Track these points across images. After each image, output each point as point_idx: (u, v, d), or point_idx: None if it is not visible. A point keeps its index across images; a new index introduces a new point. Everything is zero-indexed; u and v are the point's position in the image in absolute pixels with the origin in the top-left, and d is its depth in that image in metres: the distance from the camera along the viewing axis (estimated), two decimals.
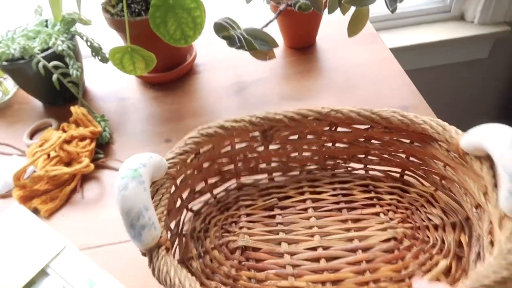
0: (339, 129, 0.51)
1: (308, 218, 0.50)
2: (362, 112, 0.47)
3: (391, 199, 0.50)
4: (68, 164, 0.60)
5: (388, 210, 0.49)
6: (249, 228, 0.49)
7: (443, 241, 0.45)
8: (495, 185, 0.35)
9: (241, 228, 0.49)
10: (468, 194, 0.43)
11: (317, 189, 0.53)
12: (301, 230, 0.48)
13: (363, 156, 0.53)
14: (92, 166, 0.59)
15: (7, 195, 0.60)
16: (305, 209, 0.51)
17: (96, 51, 0.70)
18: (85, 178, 0.61)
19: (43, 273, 0.49)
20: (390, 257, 0.44)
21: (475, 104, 1.20)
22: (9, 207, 0.56)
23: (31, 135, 0.69)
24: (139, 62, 0.61)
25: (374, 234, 0.46)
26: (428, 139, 0.45)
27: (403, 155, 0.51)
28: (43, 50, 0.65)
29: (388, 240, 0.46)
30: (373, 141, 0.51)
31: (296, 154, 0.54)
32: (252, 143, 0.51)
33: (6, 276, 0.48)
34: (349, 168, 0.55)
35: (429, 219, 0.47)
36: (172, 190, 0.44)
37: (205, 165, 0.50)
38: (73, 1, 0.61)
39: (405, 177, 0.52)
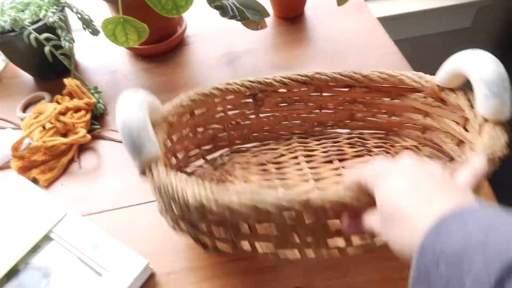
0: (324, 94, 0.53)
1: (301, 169, 0.53)
2: (344, 72, 0.50)
3: (378, 151, 0.54)
4: (64, 135, 0.61)
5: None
6: (244, 177, 0.52)
7: None
8: (471, 106, 0.40)
9: (236, 177, 0.52)
10: (449, 135, 0.47)
11: (308, 148, 0.56)
12: (295, 177, 0.52)
13: (348, 121, 0.56)
14: (88, 136, 0.60)
15: (4, 167, 0.61)
16: (298, 163, 0.54)
17: (87, 23, 0.70)
18: (82, 148, 0.62)
19: (47, 238, 0.50)
20: None
21: None
22: (8, 177, 0.57)
23: (24, 109, 0.69)
24: (131, 33, 0.61)
25: None
26: (406, 91, 0.49)
27: (385, 115, 0.54)
28: (33, 22, 0.64)
29: None
30: (356, 103, 0.54)
31: (286, 122, 0.56)
32: (244, 109, 0.53)
33: (11, 242, 0.49)
34: (336, 133, 0.58)
35: None
36: (168, 143, 0.45)
37: (200, 129, 0.52)
38: None
39: (390, 136, 0.56)
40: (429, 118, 0.49)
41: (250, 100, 0.52)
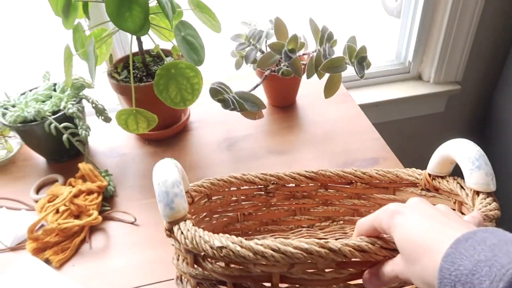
0: (330, 190, 0.59)
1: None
2: (346, 170, 0.57)
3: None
4: (77, 217, 0.65)
5: None
6: None
7: None
8: (462, 187, 0.47)
9: None
10: None
11: (318, 237, 0.60)
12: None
13: (353, 217, 0.61)
14: (100, 218, 0.65)
15: (17, 248, 0.64)
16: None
17: (100, 112, 0.77)
18: (93, 229, 0.66)
19: None
20: None
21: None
22: (20, 259, 0.60)
23: (38, 190, 0.74)
24: (142, 122, 0.68)
25: None
26: (403, 186, 0.55)
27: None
28: (53, 113, 0.71)
29: None
30: (359, 199, 0.59)
31: (295, 216, 0.61)
32: (257, 201, 0.59)
33: None
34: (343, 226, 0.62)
35: None
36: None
37: (215, 216, 0.58)
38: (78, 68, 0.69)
39: None
40: None
41: (262, 192, 0.58)
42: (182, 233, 0.41)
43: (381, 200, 0.58)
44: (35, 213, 0.68)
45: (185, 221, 0.41)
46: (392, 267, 0.34)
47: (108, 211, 0.68)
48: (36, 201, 0.71)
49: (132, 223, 0.67)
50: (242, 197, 0.59)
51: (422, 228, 0.31)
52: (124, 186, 0.74)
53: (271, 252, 0.35)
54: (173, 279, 0.52)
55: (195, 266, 0.43)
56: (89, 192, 0.68)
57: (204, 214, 0.56)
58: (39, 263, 0.59)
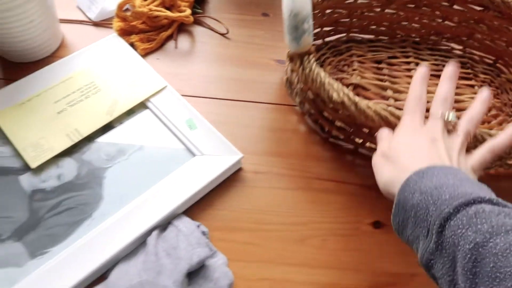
0: (455, 6, 0.56)
1: (410, 77, 0.55)
2: None
3: (484, 78, 0.59)
4: (167, 9, 0.59)
5: (481, 86, 0.57)
6: (360, 72, 0.57)
7: None
8: None
9: (354, 70, 0.57)
10: None
11: (421, 57, 0.60)
12: (404, 84, 0.56)
13: (465, 38, 0.59)
14: (192, 18, 0.58)
15: (100, 24, 0.59)
16: (409, 70, 0.58)
17: None
18: (180, 28, 0.60)
19: (142, 105, 0.50)
20: None
21: None
22: (103, 35, 0.56)
23: None
24: None
25: (468, 100, 0.56)
26: None
27: (504, 44, 0.56)
28: None
29: None
30: (481, 24, 0.56)
31: (406, 23, 0.59)
32: (373, 1, 0.56)
33: (107, 100, 0.49)
34: (448, 47, 0.61)
35: None
36: None
37: (328, 11, 0.55)
38: None
39: (498, 65, 0.60)
40: None
41: None
42: (303, 69, 0.43)
43: (503, 33, 0.55)
44: None
45: (308, 55, 0.43)
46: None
47: (199, 14, 0.61)
48: None
49: (223, 34, 0.60)
50: None
51: (411, 149, 0.35)
52: None
53: (378, 119, 0.39)
54: (259, 102, 0.54)
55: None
56: None
57: (318, 10, 0.51)
58: (124, 44, 0.55)
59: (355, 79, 0.55)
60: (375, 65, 0.58)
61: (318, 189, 0.48)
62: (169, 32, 0.58)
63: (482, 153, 0.36)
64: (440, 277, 0.28)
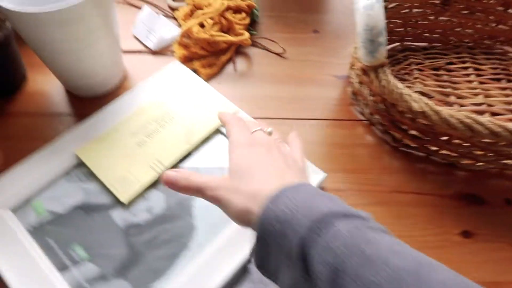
0: (509, 10, 0.57)
1: (470, 82, 0.58)
2: None
3: None
4: (225, 33, 0.59)
5: None
6: (422, 80, 0.58)
7: None
8: None
9: (415, 78, 0.58)
10: None
11: (477, 61, 0.61)
12: (466, 89, 0.57)
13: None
14: (250, 40, 0.59)
15: (159, 52, 0.60)
16: (468, 75, 0.59)
17: None
18: (237, 51, 0.61)
19: (217, 132, 0.50)
20: None
21: None
22: (165, 63, 0.56)
23: None
24: None
25: None
26: None
27: None
28: None
29: None
30: None
31: (459, 29, 0.60)
32: (427, 9, 0.58)
33: (181, 129, 0.49)
34: (502, 50, 0.62)
35: None
36: None
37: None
38: None
39: None
40: None
41: (438, 1, 0.57)
42: (379, 81, 0.45)
43: None
44: (174, 21, 0.63)
45: (382, 67, 0.45)
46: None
47: (254, 35, 0.62)
48: (172, 8, 0.65)
49: (279, 54, 0.61)
50: (415, 4, 0.58)
51: (260, 166, 0.32)
52: (267, 15, 0.66)
53: (462, 127, 0.41)
54: (324, 119, 0.55)
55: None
56: (237, 10, 0.61)
57: None
58: (188, 71, 0.55)
59: (419, 87, 0.56)
60: (434, 72, 0.59)
61: (400, 202, 0.48)
62: (227, 55, 0.58)
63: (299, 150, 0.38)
64: None
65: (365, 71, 0.47)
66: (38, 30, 0.42)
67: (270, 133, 0.37)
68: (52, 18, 0.41)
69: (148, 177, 0.46)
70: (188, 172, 0.34)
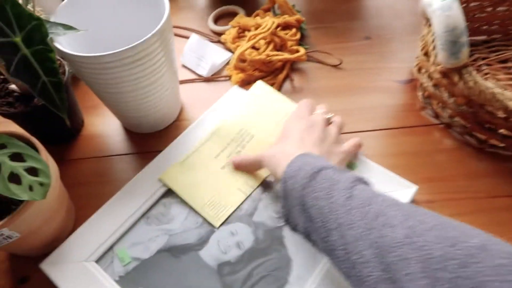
0: None
1: None
2: None
3: None
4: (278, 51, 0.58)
5: None
6: (493, 74, 0.56)
7: None
8: None
9: (486, 74, 0.56)
10: None
11: None
12: None
13: None
14: (305, 56, 0.57)
15: (211, 79, 0.58)
16: None
17: None
18: (291, 67, 0.59)
19: None
20: None
21: None
22: (216, 90, 0.55)
23: (215, 20, 0.65)
24: None
25: None
26: None
27: None
28: None
29: None
30: None
31: None
32: (484, 2, 0.56)
33: (262, 148, 0.47)
34: None
35: None
36: None
37: None
38: None
39: None
40: None
41: None
42: (465, 82, 0.43)
43: None
44: (220, 45, 0.61)
45: (466, 67, 0.43)
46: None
47: (307, 50, 0.60)
48: (215, 32, 0.63)
49: (335, 66, 0.59)
50: None
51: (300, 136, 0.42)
52: (313, 27, 0.64)
53: None
54: (396, 127, 0.52)
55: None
56: (286, 27, 0.59)
57: None
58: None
59: (492, 83, 0.53)
60: (502, 65, 0.57)
61: (499, 208, 0.45)
62: (284, 73, 0.56)
63: (350, 144, 0.45)
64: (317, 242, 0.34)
65: (444, 73, 0.44)
66: (105, 72, 0.41)
67: (328, 118, 0.45)
68: (121, 58, 0.39)
69: (238, 199, 0.44)
70: (246, 154, 0.46)
